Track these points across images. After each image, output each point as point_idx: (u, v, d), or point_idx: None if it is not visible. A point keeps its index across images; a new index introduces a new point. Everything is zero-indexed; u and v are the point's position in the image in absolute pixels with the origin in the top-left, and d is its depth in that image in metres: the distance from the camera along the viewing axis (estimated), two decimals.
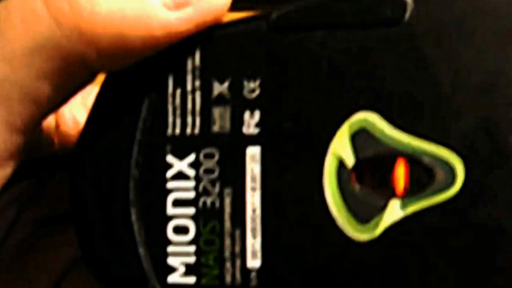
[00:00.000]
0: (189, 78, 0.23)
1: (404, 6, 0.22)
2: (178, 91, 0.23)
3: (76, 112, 0.27)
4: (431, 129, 0.21)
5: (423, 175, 0.21)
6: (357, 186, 0.22)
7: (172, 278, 0.23)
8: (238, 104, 0.23)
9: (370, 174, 0.22)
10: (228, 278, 0.22)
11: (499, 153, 0.21)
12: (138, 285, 0.23)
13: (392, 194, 0.22)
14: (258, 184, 0.22)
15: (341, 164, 0.22)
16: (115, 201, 0.23)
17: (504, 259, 0.21)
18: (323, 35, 0.22)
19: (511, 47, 0.21)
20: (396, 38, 0.22)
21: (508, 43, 0.21)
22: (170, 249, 0.23)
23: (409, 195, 0.22)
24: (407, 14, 0.22)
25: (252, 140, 0.22)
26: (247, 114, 0.23)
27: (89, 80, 0.23)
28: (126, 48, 0.22)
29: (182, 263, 0.23)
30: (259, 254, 0.22)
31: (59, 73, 0.22)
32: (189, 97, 0.23)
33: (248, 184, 0.22)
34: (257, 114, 0.22)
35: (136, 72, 0.23)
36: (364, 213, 0.22)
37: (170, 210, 0.23)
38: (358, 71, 0.22)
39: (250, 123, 0.23)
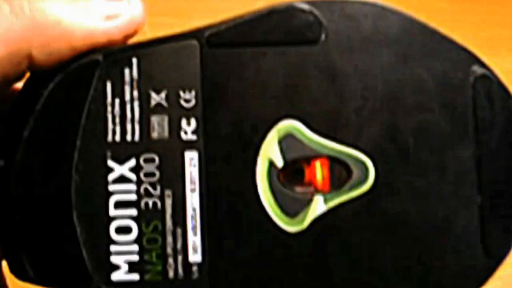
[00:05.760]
0: (127, 89, 0.25)
1: (320, 27, 0.25)
2: (117, 101, 0.25)
3: None
4: (346, 135, 0.25)
5: (342, 173, 0.25)
6: (286, 184, 0.25)
7: (116, 276, 0.24)
8: (175, 113, 0.25)
9: (297, 174, 0.25)
10: (171, 273, 0.24)
11: (401, 153, 0.25)
12: (82, 284, 0.24)
13: (316, 190, 0.25)
14: (196, 186, 0.25)
15: (271, 165, 0.25)
16: (57, 205, 0.24)
17: (406, 241, 0.25)
18: (252, 50, 0.25)
19: (409, 63, 0.25)
20: (314, 56, 0.25)
21: (406, 58, 0.25)
22: (113, 248, 0.24)
23: (330, 191, 0.25)
24: (323, 35, 0.25)
25: (189, 145, 0.25)
26: (184, 122, 0.25)
27: (21, 76, 0.25)
28: (68, 44, 0.24)
29: (125, 261, 0.24)
30: (199, 250, 0.24)
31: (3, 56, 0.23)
32: (128, 106, 0.25)
33: (188, 186, 0.25)
34: (193, 122, 0.25)
35: (75, 82, 0.24)
36: (293, 208, 0.25)
37: (112, 211, 0.24)
38: (283, 84, 0.25)
39: (187, 129, 0.25)
